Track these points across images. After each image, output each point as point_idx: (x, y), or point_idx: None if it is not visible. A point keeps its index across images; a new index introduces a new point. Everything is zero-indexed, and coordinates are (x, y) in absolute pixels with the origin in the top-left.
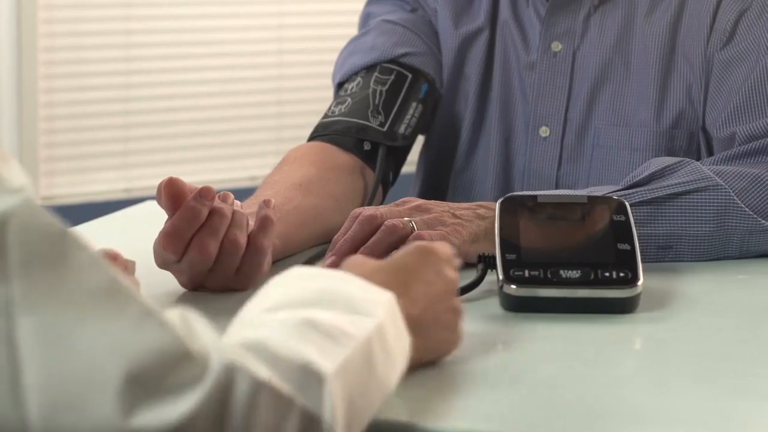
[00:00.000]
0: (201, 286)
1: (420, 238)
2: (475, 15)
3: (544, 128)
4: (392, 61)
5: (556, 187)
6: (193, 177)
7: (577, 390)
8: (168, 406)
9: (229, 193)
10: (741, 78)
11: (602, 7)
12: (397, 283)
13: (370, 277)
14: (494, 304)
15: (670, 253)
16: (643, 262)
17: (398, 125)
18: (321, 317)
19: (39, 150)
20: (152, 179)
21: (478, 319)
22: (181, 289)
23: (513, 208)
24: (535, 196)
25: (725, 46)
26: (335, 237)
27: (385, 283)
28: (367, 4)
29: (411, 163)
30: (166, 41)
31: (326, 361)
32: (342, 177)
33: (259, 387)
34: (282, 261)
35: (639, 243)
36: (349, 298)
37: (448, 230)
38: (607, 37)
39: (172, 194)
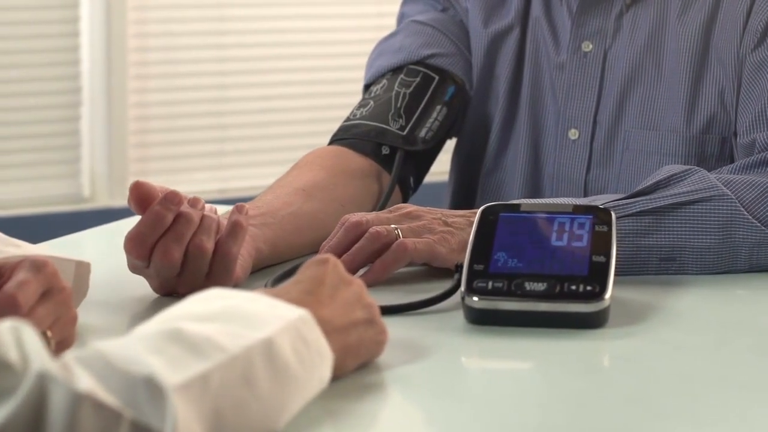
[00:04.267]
0: (174, 291)
1: (403, 245)
2: (506, 13)
3: (573, 130)
4: (419, 62)
5: (585, 192)
6: None
7: (520, 408)
8: None
9: (199, 197)
10: None
11: (634, 6)
12: (305, 293)
13: (282, 293)
14: (462, 316)
15: (674, 266)
16: (645, 274)
17: (419, 129)
18: (191, 328)
19: (129, 150)
20: (248, 180)
21: (439, 331)
22: (155, 295)
23: (494, 216)
24: (518, 205)
25: (757, 47)
26: (323, 243)
27: (292, 299)
28: (402, 5)
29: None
30: (261, 42)
31: (174, 373)
32: (352, 182)
33: (77, 399)
34: (275, 266)
35: (641, 254)
36: (246, 315)
37: (436, 238)
38: (638, 37)
39: (138, 197)
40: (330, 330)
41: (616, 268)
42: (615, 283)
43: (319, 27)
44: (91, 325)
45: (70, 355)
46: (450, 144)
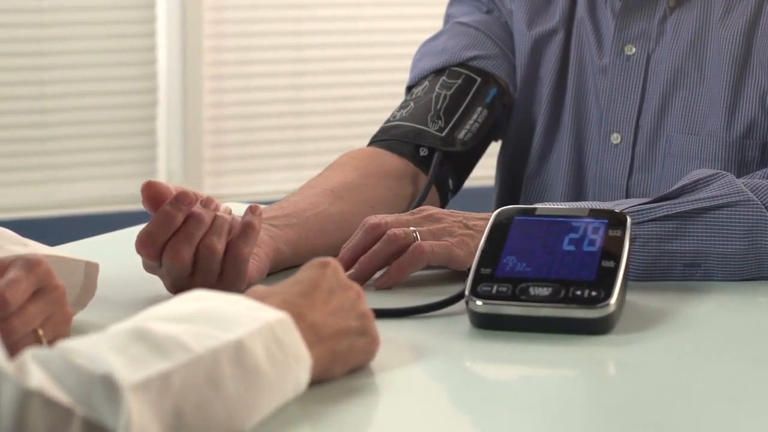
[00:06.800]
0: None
1: (420, 248)
2: (551, 15)
3: (615, 135)
4: (461, 64)
5: (627, 197)
6: None
7: (505, 414)
8: None
9: (212, 198)
10: None
11: (678, 10)
12: (299, 295)
13: (268, 297)
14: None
15: (699, 272)
16: (669, 280)
17: (459, 130)
18: (157, 328)
19: (204, 150)
20: None
21: (442, 335)
22: (169, 294)
23: (508, 219)
24: (534, 209)
25: None
26: (343, 245)
27: (285, 299)
28: (448, 6)
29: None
30: (338, 42)
31: (133, 372)
32: (385, 183)
33: (26, 395)
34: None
35: (664, 259)
36: (221, 317)
37: (455, 241)
38: (681, 41)
39: (150, 197)
40: (319, 335)
41: (639, 273)
42: (634, 288)
43: (396, 28)
44: (100, 323)
45: (28, 353)
46: (496, 147)
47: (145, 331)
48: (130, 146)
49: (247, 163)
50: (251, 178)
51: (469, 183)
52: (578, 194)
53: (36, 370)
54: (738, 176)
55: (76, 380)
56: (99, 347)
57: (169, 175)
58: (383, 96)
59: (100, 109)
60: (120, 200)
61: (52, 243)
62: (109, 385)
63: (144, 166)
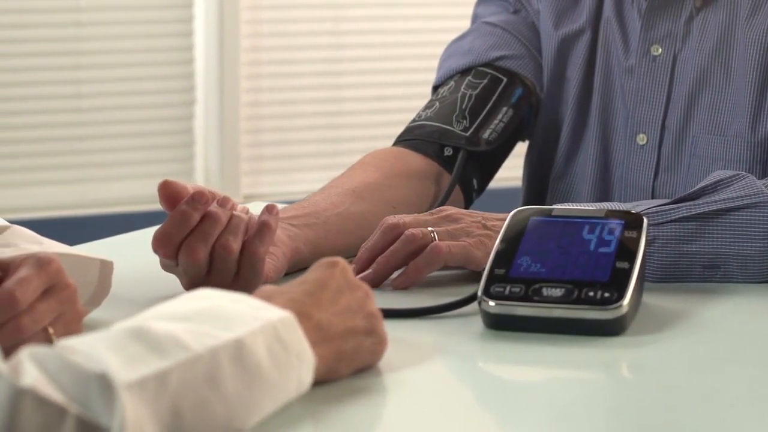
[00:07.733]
0: None
1: (437, 248)
2: (578, 15)
3: (641, 135)
4: (487, 64)
5: (652, 198)
6: None
7: (511, 417)
8: None
9: (229, 197)
10: None
11: (704, 10)
12: (306, 294)
13: (274, 296)
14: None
15: (719, 273)
16: (688, 281)
17: (483, 130)
18: (157, 327)
19: (241, 149)
20: None
21: (454, 335)
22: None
23: (524, 220)
24: (551, 209)
25: None
26: (362, 245)
27: (291, 299)
28: (476, 5)
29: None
30: (376, 42)
31: (130, 371)
32: (407, 183)
33: (19, 393)
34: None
35: (683, 261)
36: (224, 315)
37: (473, 241)
38: (707, 41)
39: (167, 197)
40: (324, 334)
41: (658, 275)
42: (652, 289)
43: (433, 28)
44: (114, 322)
45: (25, 352)
46: (523, 147)
47: (144, 330)
48: (167, 145)
49: (284, 162)
50: (288, 178)
51: (495, 183)
52: (604, 195)
53: (31, 368)
54: (763, 178)
55: (72, 379)
56: (97, 346)
57: (206, 175)
58: (419, 96)
59: (137, 109)
60: (156, 199)
61: (89, 242)
62: (104, 384)
63: (181, 165)
